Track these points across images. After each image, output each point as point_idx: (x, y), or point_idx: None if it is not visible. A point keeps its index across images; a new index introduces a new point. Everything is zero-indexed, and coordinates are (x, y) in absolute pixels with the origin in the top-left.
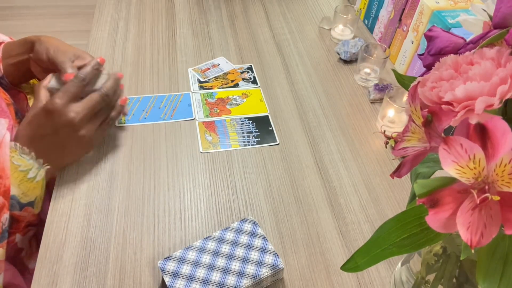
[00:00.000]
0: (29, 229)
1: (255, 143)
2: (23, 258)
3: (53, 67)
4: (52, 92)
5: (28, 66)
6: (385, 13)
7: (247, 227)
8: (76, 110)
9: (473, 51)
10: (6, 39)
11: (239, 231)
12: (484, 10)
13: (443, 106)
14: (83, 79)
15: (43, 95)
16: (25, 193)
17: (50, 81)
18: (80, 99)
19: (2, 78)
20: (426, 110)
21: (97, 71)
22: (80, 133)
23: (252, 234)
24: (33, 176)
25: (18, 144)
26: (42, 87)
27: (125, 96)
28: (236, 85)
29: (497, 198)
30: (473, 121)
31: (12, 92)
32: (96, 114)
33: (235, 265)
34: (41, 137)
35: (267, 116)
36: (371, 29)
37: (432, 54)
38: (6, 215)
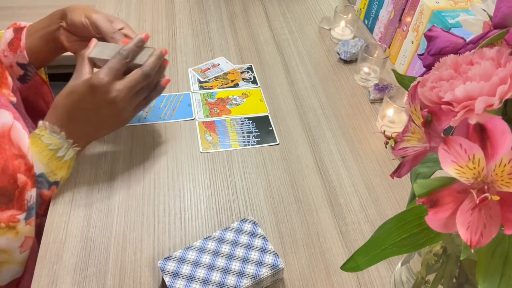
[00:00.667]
0: None
1: (255, 143)
2: None
3: (96, 31)
4: (95, 62)
5: (56, 36)
6: (385, 13)
7: (247, 227)
8: (119, 88)
9: (473, 51)
10: (28, 24)
11: (239, 231)
12: (484, 10)
13: (443, 106)
14: (126, 56)
15: (86, 66)
16: (53, 171)
17: (92, 49)
18: (123, 74)
19: (29, 65)
20: (426, 110)
21: (140, 48)
22: (120, 111)
23: (252, 234)
24: (62, 155)
25: (47, 122)
26: (86, 56)
27: (167, 78)
28: (236, 85)
29: (496, 198)
30: (472, 121)
31: (34, 83)
32: (137, 92)
33: (235, 265)
34: (81, 110)
35: (267, 116)
36: (371, 29)
37: (432, 54)
38: (30, 193)
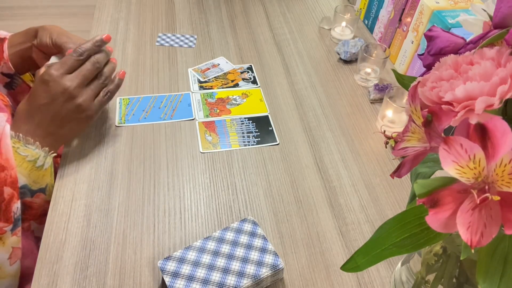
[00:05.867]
0: (46, 218)
1: (255, 143)
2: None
3: (57, 50)
4: None
5: (30, 53)
6: (385, 13)
7: (247, 227)
8: (71, 78)
9: (473, 51)
10: (8, 34)
11: (239, 231)
12: (484, 10)
13: (443, 106)
14: (81, 54)
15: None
16: (36, 181)
17: (50, 59)
18: None
19: (15, 74)
20: (426, 110)
21: (98, 48)
22: (77, 101)
23: (252, 234)
24: (41, 164)
25: (21, 135)
26: (43, 66)
27: (123, 70)
28: (236, 85)
29: (497, 198)
30: (473, 121)
31: (21, 90)
32: (91, 82)
33: (235, 265)
34: (38, 107)
35: (267, 116)
36: (371, 29)
37: (432, 54)
38: (16, 205)
